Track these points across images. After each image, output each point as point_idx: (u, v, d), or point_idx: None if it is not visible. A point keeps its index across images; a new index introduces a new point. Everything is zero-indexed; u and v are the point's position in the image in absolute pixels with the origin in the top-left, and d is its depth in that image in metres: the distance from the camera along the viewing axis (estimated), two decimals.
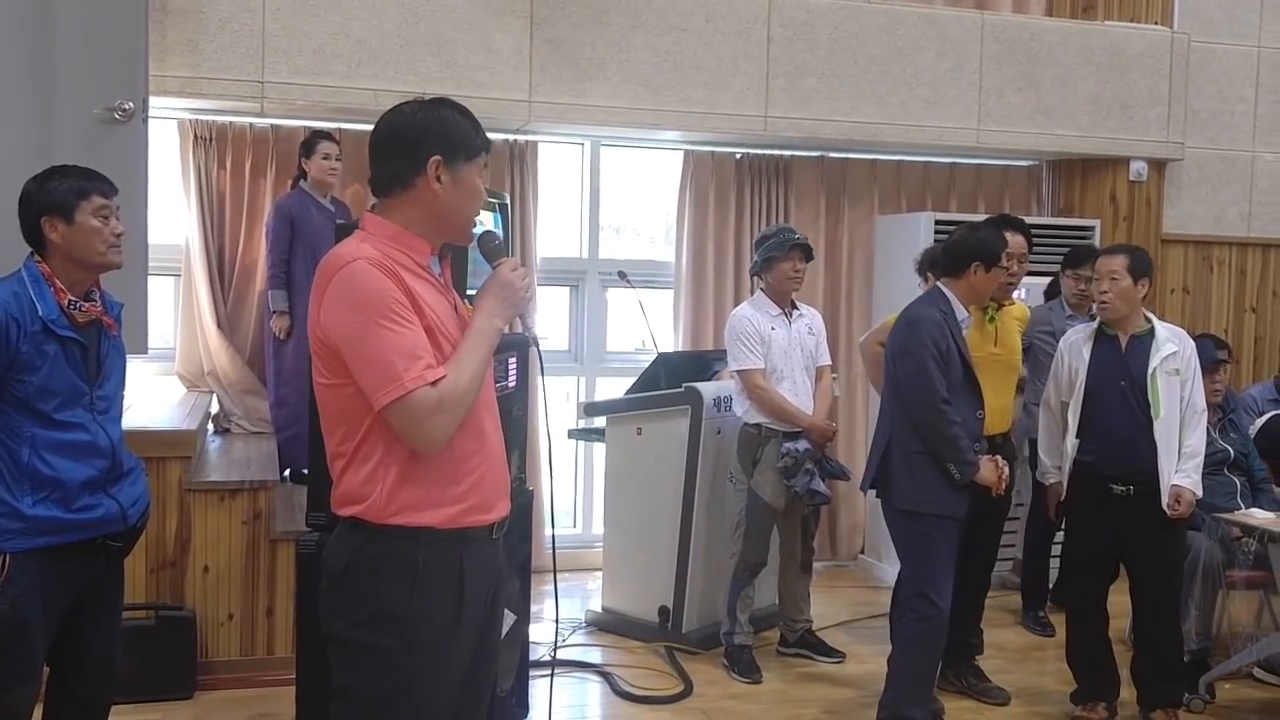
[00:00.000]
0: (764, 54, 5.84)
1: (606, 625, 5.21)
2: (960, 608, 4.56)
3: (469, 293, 2.47)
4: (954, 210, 6.47)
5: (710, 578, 5.03)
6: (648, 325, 5.50)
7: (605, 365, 6.38)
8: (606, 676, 4.60)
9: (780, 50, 5.86)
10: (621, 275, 5.74)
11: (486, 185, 2.29)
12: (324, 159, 5.19)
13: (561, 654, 4.83)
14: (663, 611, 5.02)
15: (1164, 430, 3.95)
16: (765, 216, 6.26)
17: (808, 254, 4.76)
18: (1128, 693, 4.20)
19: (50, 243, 2.82)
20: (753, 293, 4.90)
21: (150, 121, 4.01)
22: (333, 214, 5.16)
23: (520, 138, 5.89)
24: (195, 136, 5.44)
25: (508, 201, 4.10)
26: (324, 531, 2.17)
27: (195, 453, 4.52)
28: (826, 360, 4.90)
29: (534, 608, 4.09)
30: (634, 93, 5.64)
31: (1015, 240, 4.38)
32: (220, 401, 5.54)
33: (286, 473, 5.08)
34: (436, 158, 2.13)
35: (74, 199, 2.82)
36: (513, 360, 3.61)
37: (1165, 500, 3.91)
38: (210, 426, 5.42)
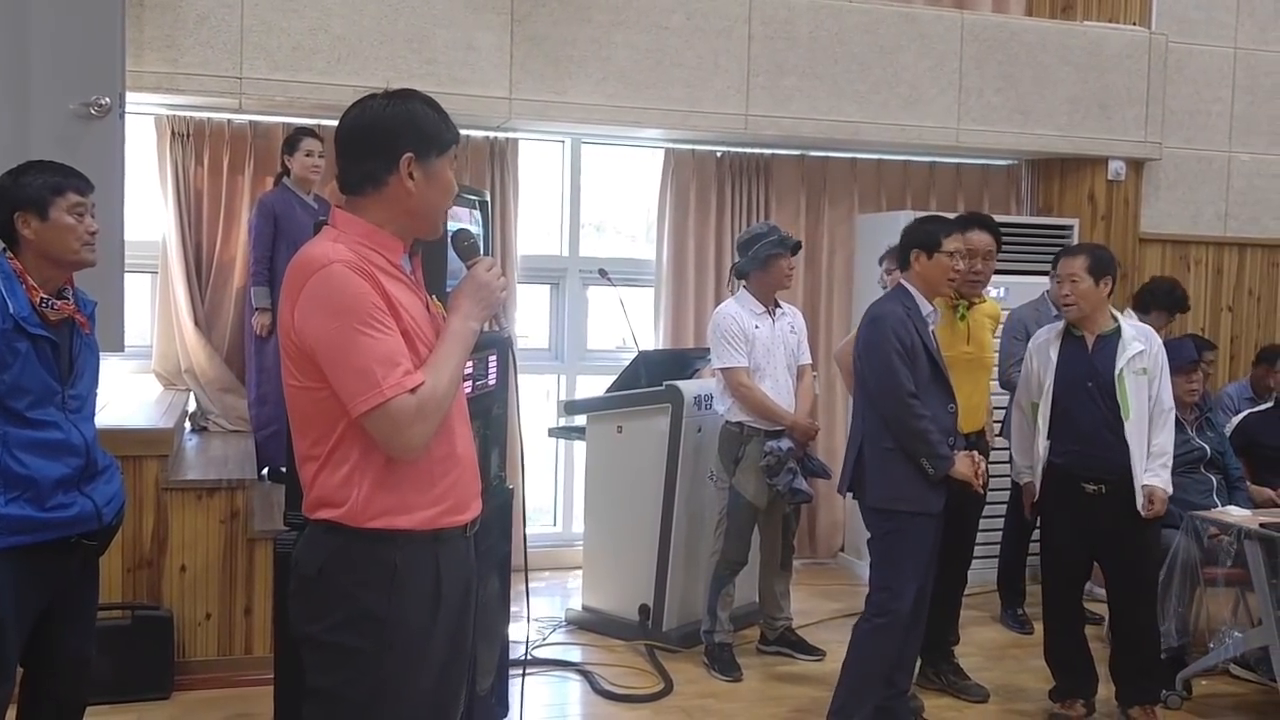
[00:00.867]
0: (745, 52, 5.84)
1: (587, 624, 5.20)
2: (938, 606, 4.59)
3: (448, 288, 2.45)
4: (934, 209, 6.48)
5: (690, 576, 5.03)
6: (628, 323, 5.49)
7: (586, 363, 6.36)
8: (587, 675, 4.60)
9: (761, 48, 5.86)
10: (602, 273, 5.74)
11: (463, 184, 2.26)
12: (307, 156, 5.16)
13: (541, 653, 4.83)
14: (643, 610, 5.01)
15: (1135, 430, 3.97)
16: (746, 215, 6.27)
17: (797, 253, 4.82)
18: (1105, 690, 4.23)
19: (23, 239, 2.78)
20: (734, 292, 4.90)
21: (127, 117, 3.98)
22: (315, 211, 5.12)
23: (501, 135, 5.87)
24: (173, 132, 5.40)
25: (488, 199, 4.09)
26: (303, 531, 2.17)
27: (172, 451, 4.49)
28: (808, 359, 4.90)
29: (514, 607, 4.08)
30: (615, 90, 5.63)
31: (982, 238, 4.36)
32: (197, 399, 5.50)
33: (265, 471, 5.05)
34: (409, 155, 2.09)
35: (49, 195, 2.79)
36: (493, 358, 3.60)
37: (1139, 501, 3.93)
38: (187, 425, 5.39)
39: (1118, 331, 4.06)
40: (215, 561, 4.39)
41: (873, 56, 6.05)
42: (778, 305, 4.82)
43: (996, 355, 4.93)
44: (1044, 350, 4.15)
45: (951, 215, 4.52)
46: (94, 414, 2.97)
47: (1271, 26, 7.10)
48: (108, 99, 3.81)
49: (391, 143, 2.09)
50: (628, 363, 5.33)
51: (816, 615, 5.41)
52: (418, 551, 2.11)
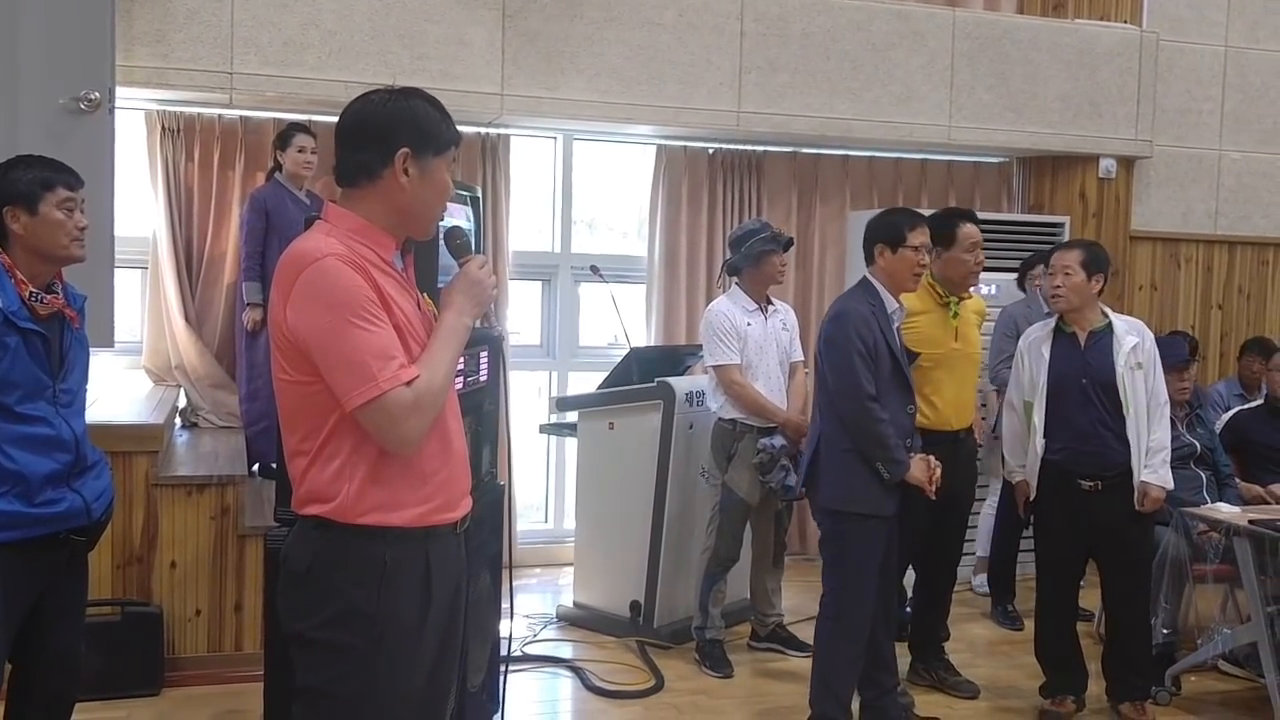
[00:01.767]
0: (737, 49, 5.84)
1: (578, 620, 5.20)
2: (928, 603, 4.60)
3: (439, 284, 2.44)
4: (926, 206, 6.48)
5: (682, 573, 5.03)
6: (620, 320, 5.49)
7: (577, 360, 6.35)
8: (578, 671, 4.59)
9: (753, 45, 5.86)
10: (594, 270, 5.73)
11: (455, 180, 2.25)
12: (299, 151, 5.14)
13: (533, 649, 4.83)
14: (634, 606, 5.01)
15: (1134, 425, 3.98)
16: (738, 212, 6.27)
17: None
18: (1096, 686, 4.24)
19: (12, 233, 2.77)
20: (724, 289, 4.90)
21: (117, 112, 3.96)
22: (308, 206, 5.11)
23: (492, 131, 5.86)
24: (163, 128, 5.38)
25: (479, 195, 4.08)
26: (293, 527, 2.16)
27: (162, 447, 4.48)
28: (800, 356, 4.90)
29: (505, 603, 4.07)
30: (607, 87, 5.62)
31: (974, 230, 4.32)
32: (188, 395, 5.48)
33: (255, 467, 5.04)
34: (405, 150, 2.08)
35: (38, 190, 2.78)
36: (484, 354, 3.59)
37: (1137, 497, 3.94)
38: (178, 420, 5.37)
39: (1109, 328, 4.07)
40: (205, 558, 4.38)
41: (865, 54, 6.05)
42: (770, 302, 4.82)
43: (985, 352, 4.94)
44: (1036, 348, 4.15)
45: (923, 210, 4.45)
46: (84, 409, 2.96)
47: (1262, 25, 7.13)
48: (97, 94, 3.79)
49: (388, 136, 2.09)
50: (619, 359, 5.32)
51: (808, 612, 5.37)
52: (408, 548, 2.10)
